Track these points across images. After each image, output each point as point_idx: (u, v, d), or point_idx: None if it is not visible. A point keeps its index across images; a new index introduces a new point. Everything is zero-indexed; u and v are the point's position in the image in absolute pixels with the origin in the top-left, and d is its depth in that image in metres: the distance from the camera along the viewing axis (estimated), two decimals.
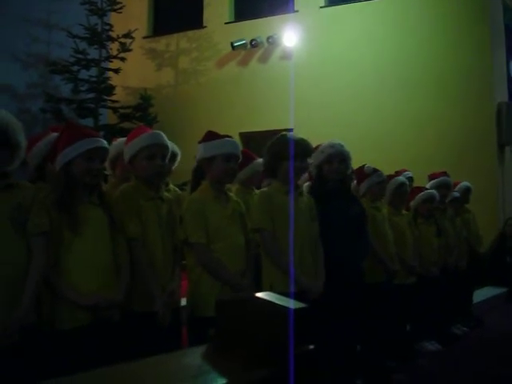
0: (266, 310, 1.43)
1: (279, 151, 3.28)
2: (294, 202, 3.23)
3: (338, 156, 3.69)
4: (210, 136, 3.17)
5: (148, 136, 2.95)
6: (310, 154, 3.36)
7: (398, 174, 5.11)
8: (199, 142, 3.19)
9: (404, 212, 4.89)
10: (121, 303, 2.63)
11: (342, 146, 3.74)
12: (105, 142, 2.72)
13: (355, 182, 4.49)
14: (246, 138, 9.44)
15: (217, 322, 1.53)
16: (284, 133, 3.35)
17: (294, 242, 3.16)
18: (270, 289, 3.01)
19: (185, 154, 3.73)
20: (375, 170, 4.46)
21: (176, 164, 3.59)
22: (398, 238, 4.58)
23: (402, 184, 4.70)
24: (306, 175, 3.99)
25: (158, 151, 2.93)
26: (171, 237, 2.98)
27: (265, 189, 3.43)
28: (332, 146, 3.72)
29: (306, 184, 3.91)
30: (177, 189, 3.66)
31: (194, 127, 9.01)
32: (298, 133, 3.41)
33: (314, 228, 3.37)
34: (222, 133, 3.22)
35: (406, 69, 8.73)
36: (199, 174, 3.21)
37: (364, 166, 4.48)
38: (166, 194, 3.11)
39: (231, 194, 3.28)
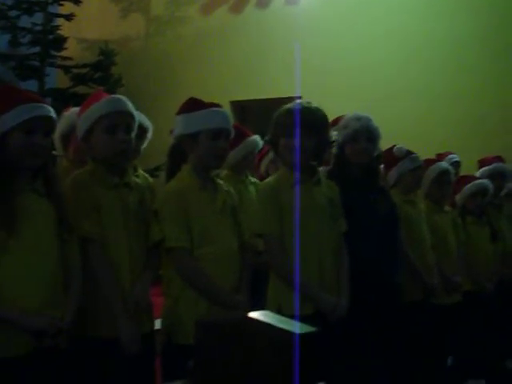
0: (262, 335, 1.43)
1: (275, 126, 3.29)
2: (307, 195, 3.21)
3: (365, 133, 3.67)
4: (193, 105, 3.16)
5: (106, 102, 2.96)
6: (319, 129, 3.29)
7: (439, 157, 5.08)
8: (178, 114, 3.19)
9: (447, 208, 4.88)
10: (70, 326, 2.62)
11: (369, 119, 3.72)
12: (50, 108, 2.70)
13: (382, 167, 4.48)
14: (239, 108, 9.42)
15: (196, 350, 1.53)
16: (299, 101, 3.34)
17: (311, 248, 3.16)
18: (279, 311, 3.00)
19: (158, 128, 3.72)
20: (409, 153, 4.46)
21: (146, 142, 3.58)
22: (439, 242, 4.58)
23: (444, 171, 4.69)
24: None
25: (120, 122, 2.94)
26: (142, 236, 3.00)
27: (269, 179, 3.42)
28: (358, 118, 3.70)
29: (321, 168, 3.90)
30: (147, 175, 3.66)
31: (170, 93, 8.97)
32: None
33: (337, 229, 3.35)
34: (207, 101, 3.21)
35: (454, 25, 8.68)
36: (178, 155, 3.21)
37: (394, 147, 4.47)
38: (135, 179, 3.12)
39: (221, 183, 3.28)
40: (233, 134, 3.22)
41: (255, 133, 4.87)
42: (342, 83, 8.96)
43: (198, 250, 3.00)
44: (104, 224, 2.86)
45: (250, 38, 9.78)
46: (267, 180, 3.46)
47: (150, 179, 3.58)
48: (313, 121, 3.24)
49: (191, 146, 3.11)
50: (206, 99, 3.23)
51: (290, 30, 9.25)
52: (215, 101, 3.25)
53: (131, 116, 2.99)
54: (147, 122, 3.58)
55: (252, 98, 9.40)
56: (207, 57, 9.93)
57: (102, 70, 9.35)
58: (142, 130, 3.44)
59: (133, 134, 3.00)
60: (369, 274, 3.47)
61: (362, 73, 8.94)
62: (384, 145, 4.05)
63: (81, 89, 8.96)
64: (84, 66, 9.34)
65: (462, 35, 8.51)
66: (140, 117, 3.21)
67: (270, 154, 4.95)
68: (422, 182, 4.60)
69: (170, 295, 3.07)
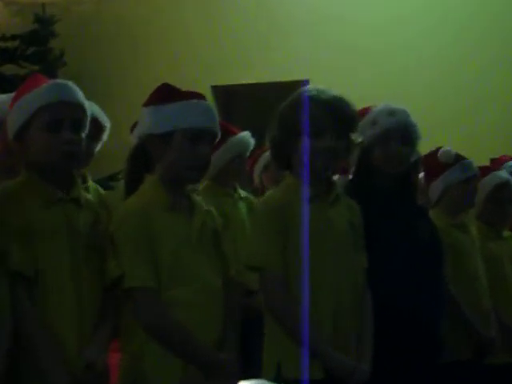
0: None
1: (292, 120, 3.27)
2: (323, 216, 3.23)
3: (400, 131, 3.68)
4: (165, 94, 3.16)
5: (48, 89, 2.97)
6: (352, 126, 3.34)
7: (495, 164, 5.08)
8: (145, 105, 3.19)
9: (506, 234, 4.91)
10: None
11: (406, 114, 3.74)
12: None
13: (421, 176, 4.50)
14: (224, 95, 9.43)
15: None
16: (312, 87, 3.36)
17: (324, 288, 3.17)
18: (278, 372, 3.02)
19: (116, 124, 3.73)
20: (459, 158, 4.48)
21: (100, 143, 3.59)
22: (495, 279, 4.60)
23: (502, 184, 4.71)
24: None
25: (66, 116, 2.94)
26: (96, 272, 3.00)
27: (272, 192, 3.44)
28: (391, 112, 3.72)
29: (337, 177, 3.90)
30: (99, 187, 3.67)
31: (131, 76, 8.98)
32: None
33: (358, 263, 3.35)
34: (183, 87, 3.21)
35: None
36: (142, 161, 3.20)
37: (438, 150, 4.49)
38: (85, 194, 3.12)
39: (199, 200, 3.27)
40: (219, 136, 3.22)
41: (243, 128, 4.84)
42: (365, 64, 8.99)
43: (166, 292, 2.99)
44: (41, 254, 2.85)
45: (235, 2, 9.80)
46: (269, 194, 3.48)
47: (102, 191, 3.58)
48: (346, 114, 3.27)
49: (161, 151, 3.09)
50: (181, 84, 3.22)
51: None
52: (192, 86, 3.27)
53: (81, 108, 2.99)
54: (103, 117, 3.58)
55: (240, 82, 9.42)
56: (181, 26, 9.93)
57: (38, 43, 9.35)
58: (97, 128, 3.44)
59: (83, 133, 3.00)
60: (399, 324, 3.47)
61: (394, 52, 8.98)
62: (422, 148, 4.07)
63: (8, 69, 8.96)
64: (13, 37, 9.34)
65: None
66: (93, 109, 3.21)
67: (264, 158, 4.94)
68: (476, 198, 4.59)
69: (130, 351, 3.05)
